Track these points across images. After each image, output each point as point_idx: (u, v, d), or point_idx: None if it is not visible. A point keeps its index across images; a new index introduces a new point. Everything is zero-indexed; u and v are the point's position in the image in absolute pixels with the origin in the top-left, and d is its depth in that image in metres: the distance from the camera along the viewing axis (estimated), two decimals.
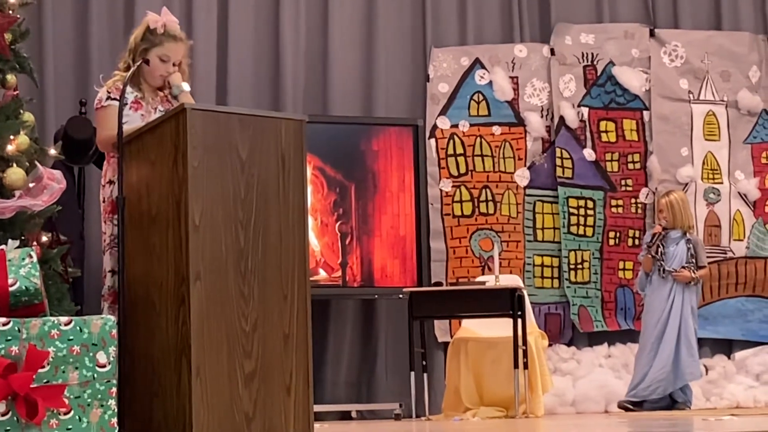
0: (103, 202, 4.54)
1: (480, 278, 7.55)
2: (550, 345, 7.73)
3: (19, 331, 3.52)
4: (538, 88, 8.30)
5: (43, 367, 3.52)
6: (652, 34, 8.49)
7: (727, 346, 8.28)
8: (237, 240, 3.95)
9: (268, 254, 4.00)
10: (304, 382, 4.02)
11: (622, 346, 8.07)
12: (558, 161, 8.21)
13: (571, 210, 8.19)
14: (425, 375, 7.13)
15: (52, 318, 3.61)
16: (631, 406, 7.25)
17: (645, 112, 8.40)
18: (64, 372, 3.55)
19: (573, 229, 8.19)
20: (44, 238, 4.27)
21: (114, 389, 3.63)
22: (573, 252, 8.16)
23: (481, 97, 8.23)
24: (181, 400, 3.82)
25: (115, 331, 3.66)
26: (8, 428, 3.45)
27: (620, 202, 8.30)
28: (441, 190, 8.08)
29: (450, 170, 8.11)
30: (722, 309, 8.29)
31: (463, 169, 8.13)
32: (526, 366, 6.85)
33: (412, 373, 7.01)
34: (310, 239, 5.21)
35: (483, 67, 8.26)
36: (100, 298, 4.49)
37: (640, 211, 8.33)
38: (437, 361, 7.81)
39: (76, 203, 6.92)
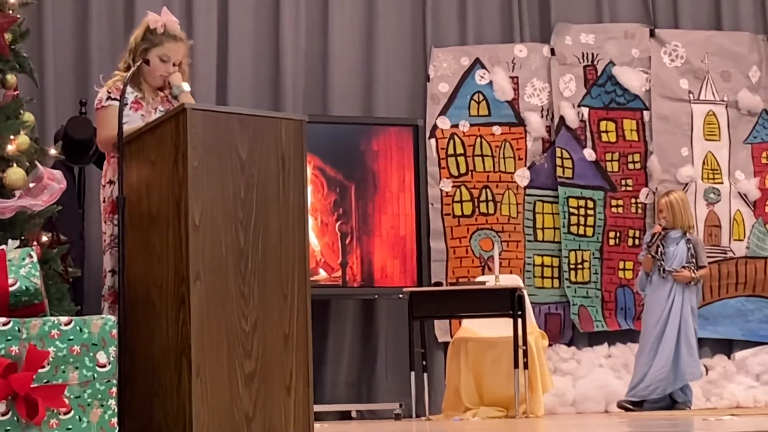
0: (103, 202, 4.54)
1: (480, 278, 7.56)
2: (550, 345, 7.73)
3: (19, 331, 3.52)
4: (538, 88, 8.30)
5: (43, 367, 3.52)
6: (652, 34, 8.49)
7: (727, 346, 8.28)
8: (237, 240, 3.95)
9: (268, 254, 4.00)
10: (304, 382, 4.02)
11: (622, 346, 8.07)
12: (558, 161, 8.21)
13: (571, 210, 8.19)
14: (425, 375, 7.12)
15: (52, 318, 3.61)
16: (630, 406, 7.25)
17: (645, 112, 8.40)
18: (64, 372, 3.55)
19: (573, 229, 8.19)
20: (44, 238, 4.27)
21: (114, 389, 3.63)
22: (573, 252, 8.16)
23: (481, 97, 8.23)
24: (181, 400, 3.82)
25: (115, 331, 3.66)
26: (8, 428, 3.45)
27: (620, 202, 8.30)
28: (441, 190, 8.08)
29: (450, 170, 8.11)
30: (722, 309, 8.29)
31: (463, 169, 8.13)
32: (526, 366, 6.85)
33: (412, 373, 7.01)
34: (310, 239, 5.20)
35: (483, 67, 8.26)
36: (100, 298, 4.49)
37: (640, 211, 8.33)
38: (437, 361, 7.81)
39: (76, 203, 6.92)
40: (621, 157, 8.34)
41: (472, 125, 8.19)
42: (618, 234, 8.27)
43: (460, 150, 8.15)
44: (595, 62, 8.39)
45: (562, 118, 8.25)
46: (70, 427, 3.54)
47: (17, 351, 3.50)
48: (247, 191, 3.99)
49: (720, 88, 8.49)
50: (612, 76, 8.37)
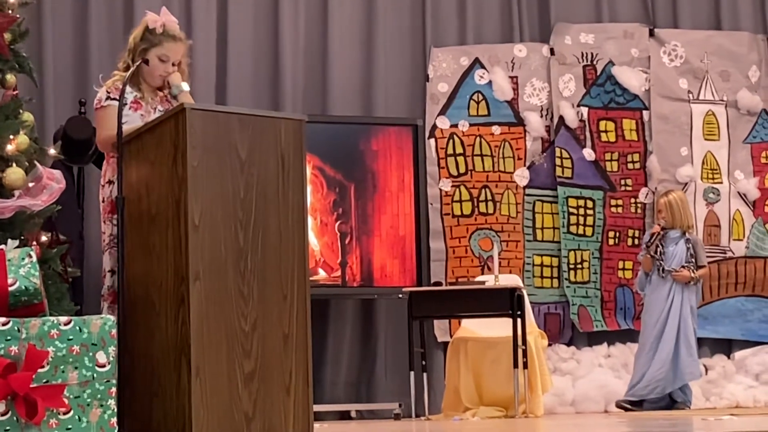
0: (103, 202, 4.54)
1: (479, 278, 7.55)
2: (549, 345, 7.73)
3: (18, 330, 3.52)
4: (538, 87, 8.30)
5: (43, 366, 3.51)
6: (651, 33, 8.49)
7: (726, 346, 8.28)
8: (236, 240, 3.95)
9: (268, 254, 4.00)
10: (304, 382, 4.02)
11: (622, 346, 8.07)
12: (558, 161, 8.21)
13: (571, 210, 8.19)
14: (425, 375, 7.13)
15: (52, 318, 3.61)
16: (629, 406, 7.24)
17: (644, 112, 8.40)
18: (63, 372, 3.55)
19: (573, 228, 8.19)
20: (44, 238, 4.27)
21: (113, 389, 3.63)
22: (573, 252, 8.16)
23: (480, 97, 8.23)
24: (180, 400, 3.82)
25: (114, 331, 3.66)
26: (8, 428, 3.45)
27: (620, 202, 8.30)
28: (441, 190, 8.08)
29: (449, 170, 8.11)
30: (722, 309, 8.29)
31: (462, 169, 8.13)
32: (525, 366, 6.85)
33: (412, 373, 7.01)
34: (309, 239, 5.20)
35: (483, 66, 8.26)
36: (100, 298, 4.49)
37: (639, 210, 8.33)
38: (437, 361, 7.81)
39: (76, 203, 6.93)
40: (620, 156, 8.34)
41: (471, 125, 8.19)
42: (617, 234, 8.27)
43: (459, 150, 8.15)
44: (594, 62, 8.39)
45: (561, 117, 8.25)
46: (69, 427, 3.54)
47: (17, 351, 3.50)
48: (247, 191, 3.99)
49: (719, 87, 8.49)
50: (611, 75, 8.37)
